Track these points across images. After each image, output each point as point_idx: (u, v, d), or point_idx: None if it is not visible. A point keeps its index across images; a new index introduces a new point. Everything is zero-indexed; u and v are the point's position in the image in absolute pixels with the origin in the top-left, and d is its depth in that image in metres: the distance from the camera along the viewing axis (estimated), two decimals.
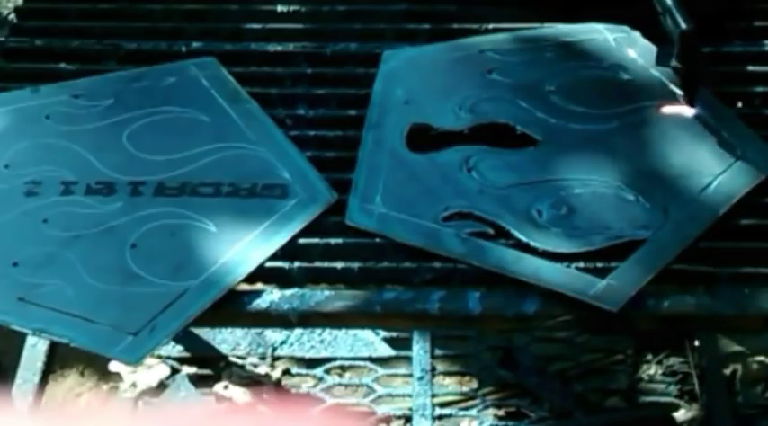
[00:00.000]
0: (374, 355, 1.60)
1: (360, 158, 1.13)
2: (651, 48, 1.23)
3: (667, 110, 1.16)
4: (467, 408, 1.51)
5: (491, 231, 1.06)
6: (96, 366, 1.65)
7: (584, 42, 1.26)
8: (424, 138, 1.15)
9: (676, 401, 1.55)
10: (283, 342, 1.63)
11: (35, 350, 1.44)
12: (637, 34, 1.26)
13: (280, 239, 1.06)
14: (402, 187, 1.11)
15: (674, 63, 1.14)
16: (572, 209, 1.08)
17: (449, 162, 1.13)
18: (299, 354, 1.62)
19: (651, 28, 1.22)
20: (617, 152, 1.14)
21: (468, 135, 1.16)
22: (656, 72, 1.22)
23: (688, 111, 1.16)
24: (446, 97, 1.20)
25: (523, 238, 1.05)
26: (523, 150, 1.15)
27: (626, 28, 1.27)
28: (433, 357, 1.53)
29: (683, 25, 1.11)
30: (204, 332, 1.62)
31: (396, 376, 1.58)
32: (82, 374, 1.67)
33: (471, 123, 1.17)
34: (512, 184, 1.10)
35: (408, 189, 1.10)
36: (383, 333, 1.61)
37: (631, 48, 1.25)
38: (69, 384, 1.67)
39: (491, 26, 1.29)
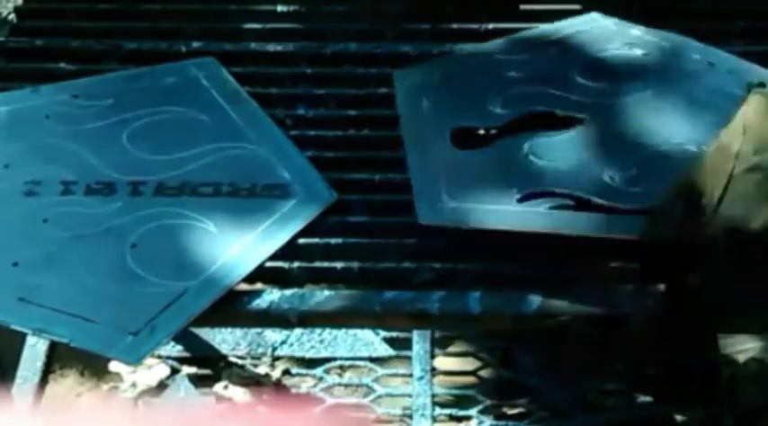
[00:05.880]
0: (374, 355, 1.60)
1: (412, 175, 1.10)
2: (652, 30, 1.25)
3: None
4: (467, 408, 1.51)
5: (571, 202, 1.06)
6: (96, 366, 1.65)
7: (590, 30, 1.27)
8: (468, 140, 1.14)
9: (676, 401, 1.55)
10: (283, 342, 1.63)
11: (35, 350, 1.44)
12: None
13: (280, 239, 1.06)
14: (466, 182, 1.09)
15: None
16: (642, 169, 1.09)
17: (504, 152, 1.12)
18: (299, 354, 1.62)
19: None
20: (662, 114, 1.15)
21: (513, 127, 1.15)
22: (664, 42, 1.23)
23: None
24: (475, 100, 1.19)
25: (606, 202, 1.05)
26: (573, 129, 1.15)
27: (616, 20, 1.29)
28: (432, 357, 1.53)
29: None
30: (204, 332, 1.62)
31: (396, 376, 1.57)
32: (82, 374, 1.67)
33: (511, 117, 1.16)
34: (575, 161, 1.10)
35: (473, 182, 1.09)
36: (383, 333, 1.61)
37: (634, 29, 1.27)
38: (69, 384, 1.67)
39: (491, 26, 1.29)
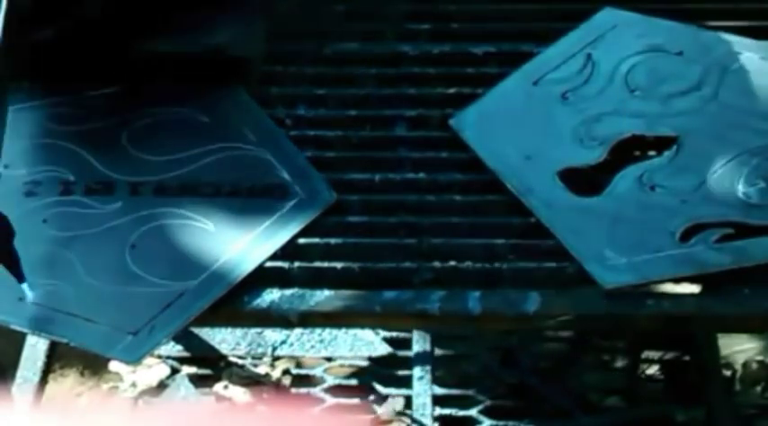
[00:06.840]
0: (374, 355, 1.60)
1: (559, 233, 1.05)
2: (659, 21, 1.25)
3: None
4: (467, 408, 1.51)
5: (731, 230, 1.03)
6: (96, 366, 1.65)
7: (617, 28, 1.25)
8: (579, 180, 1.10)
9: (676, 401, 1.55)
10: (283, 342, 1.63)
11: (35, 350, 1.45)
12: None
13: (280, 239, 1.06)
14: (616, 233, 1.04)
15: None
16: (767, 178, 1.07)
17: (627, 190, 1.08)
18: (298, 354, 1.62)
19: None
20: (738, 113, 1.14)
21: (614, 159, 1.11)
22: (683, 34, 1.22)
23: None
24: (557, 136, 1.14)
25: (760, 222, 1.03)
26: (674, 149, 1.12)
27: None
28: (432, 357, 1.53)
29: None
30: (204, 332, 1.62)
31: (396, 376, 1.57)
32: (82, 374, 1.67)
33: (606, 147, 1.12)
34: (698, 183, 1.08)
35: (622, 231, 1.05)
36: (383, 333, 1.61)
37: (648, 24, 1.24)
38: (69, 384, 1.67)
39: (490, 26, 1.29)
